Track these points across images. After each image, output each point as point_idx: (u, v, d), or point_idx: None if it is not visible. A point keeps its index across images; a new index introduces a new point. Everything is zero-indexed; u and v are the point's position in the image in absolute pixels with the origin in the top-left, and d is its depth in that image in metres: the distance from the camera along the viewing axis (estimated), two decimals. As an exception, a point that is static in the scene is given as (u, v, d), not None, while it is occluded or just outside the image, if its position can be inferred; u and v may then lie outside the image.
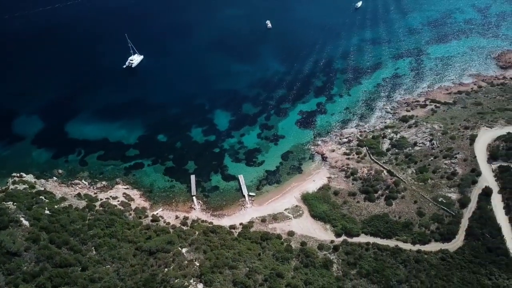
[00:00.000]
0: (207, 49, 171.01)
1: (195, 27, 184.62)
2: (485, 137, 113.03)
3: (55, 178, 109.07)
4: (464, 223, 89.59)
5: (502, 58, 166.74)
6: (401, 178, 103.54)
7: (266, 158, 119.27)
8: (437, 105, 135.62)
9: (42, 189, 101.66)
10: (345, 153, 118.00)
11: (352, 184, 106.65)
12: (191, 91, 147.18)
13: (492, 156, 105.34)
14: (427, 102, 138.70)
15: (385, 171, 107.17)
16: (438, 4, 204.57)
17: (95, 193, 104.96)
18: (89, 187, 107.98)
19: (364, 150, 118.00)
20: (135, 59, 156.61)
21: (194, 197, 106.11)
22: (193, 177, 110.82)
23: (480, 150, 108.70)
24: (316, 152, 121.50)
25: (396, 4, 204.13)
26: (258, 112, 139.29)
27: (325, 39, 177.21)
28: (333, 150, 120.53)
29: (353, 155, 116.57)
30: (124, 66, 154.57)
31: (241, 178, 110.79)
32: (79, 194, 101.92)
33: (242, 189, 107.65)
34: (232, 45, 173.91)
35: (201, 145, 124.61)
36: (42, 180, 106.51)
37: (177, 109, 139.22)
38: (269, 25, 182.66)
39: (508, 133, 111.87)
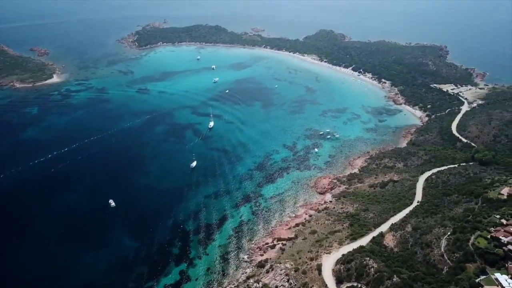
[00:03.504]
0: (53, 244, 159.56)
1: (34, 221, 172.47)
2: (328, 263, 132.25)
3: None
4: None
5: (318, 185, 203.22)
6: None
7: None
8: (284, 242, 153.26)
9: None
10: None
11: None
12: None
13: (339, 280, 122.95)
14: (275, 242, 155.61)
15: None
16: (258, 150, 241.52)
17: None
18: None
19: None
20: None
21: None
22: None
23: (328, 277, 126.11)
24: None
25: (225, 157, 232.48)
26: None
27: (171, 204, 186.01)
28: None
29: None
30: None
31: None
32: None
33: None
34: (79, 232, 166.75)
35: None
36: None
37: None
38: (113, 204, 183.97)
39: (343, 255, 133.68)
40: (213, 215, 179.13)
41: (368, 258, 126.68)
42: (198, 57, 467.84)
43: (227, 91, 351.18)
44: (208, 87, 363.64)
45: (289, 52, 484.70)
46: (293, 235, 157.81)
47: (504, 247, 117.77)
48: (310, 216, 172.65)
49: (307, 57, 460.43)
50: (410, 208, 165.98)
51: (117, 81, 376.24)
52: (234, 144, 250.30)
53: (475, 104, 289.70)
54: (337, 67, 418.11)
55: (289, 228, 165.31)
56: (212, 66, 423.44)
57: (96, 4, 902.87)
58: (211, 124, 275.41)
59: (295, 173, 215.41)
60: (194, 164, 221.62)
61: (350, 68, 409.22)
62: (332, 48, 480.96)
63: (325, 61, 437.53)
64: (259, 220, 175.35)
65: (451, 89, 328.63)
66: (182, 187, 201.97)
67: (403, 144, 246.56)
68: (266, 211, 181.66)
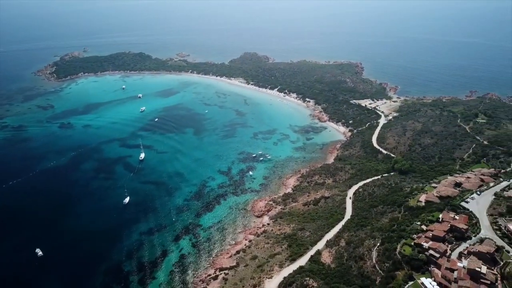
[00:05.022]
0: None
1: None
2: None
3: None
4: None
5: (255, 208, 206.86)
6: None
7: None
8: (226, 272, 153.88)
9: None
10: None
11: None
12: None
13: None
14: (217, 272, 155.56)
15: None
16: (193, 178, 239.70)
17: None
18: None
19: None
20: None
21: None
22: None
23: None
24: None
25: (160, 190, 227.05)
26: None
27: (106, 245, 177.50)
28: None
29: None
30: None
31: None
32: None
33: None
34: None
35: None
36: None
37: None
38: (40, 253, 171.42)
39: (284, 278, 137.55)
40: (151, 252, 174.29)
41: (308, 278, 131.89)
42: (123, 86, 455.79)
43: (156, 119, 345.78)
44: (136, 117, 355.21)
45: (216, 76, 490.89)
46: (234, 263, 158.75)
47: (426, 252, 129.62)
48: (250, 241, 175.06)
49: (234, 80, 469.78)
50: (343, 222, 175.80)
51: (36, 117, 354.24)
52: (168, 174, 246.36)
53: (391, 117, 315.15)
54: (264, 89, 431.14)
55: (230, 256, 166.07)
56: (139, 95, 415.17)
57: (5, 37, 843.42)
58: (142, 155, 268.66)
59: (232, 199, 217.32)
60: (127, 200, 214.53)
61: (276, 89, 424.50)
62: (257, 70, 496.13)
63: (252, 84, 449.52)
64: (200, 252, 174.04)
65: (369, 104, 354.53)
66: (116, 226, 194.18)
67: (331, 160, 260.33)
68: (206, 242, 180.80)
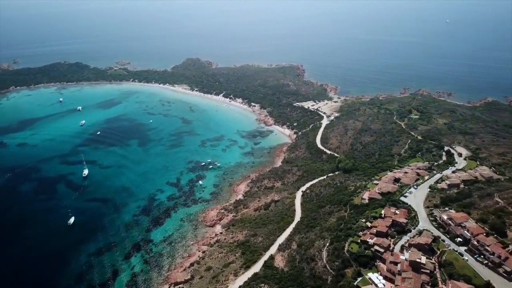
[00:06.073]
0: None
1: None
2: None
3: None
4: None
5: (207, 218, 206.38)
6: None
7: None
8: (181, 286, 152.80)
9: None
10: None
11: None
12: None
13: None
14: (172, 287, 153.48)
15: None
16: (141, 192, 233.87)
17: None
18: None
19: None
20: None
21: None
22: None
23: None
24: None
25: (107, 207, 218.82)
26: None
27: (52, 271, 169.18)
28: None
29: None
30: None
31: None
32: None
33: None
34: None
35: None
36: None
37: None
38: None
39: (240, 286, 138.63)
40: (102, 274, 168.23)
41: (263, 284, 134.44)
42: (61, 99, 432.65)
43: (98, 132, 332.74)
44: (76, 131, 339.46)
45: (159, 83, 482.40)
46: (189, 276, 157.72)
47: (371, 248, 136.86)
48: (203, 252, 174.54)
49: (178, 87, 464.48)
50: (293, 225, 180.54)
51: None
52: (115, 190, 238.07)
53: (332, 117, 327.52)
54: (209, 95, 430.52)
55: (184, 270, 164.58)
56: (78, 108, 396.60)
57: None
58: (86, 172, 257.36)
59: (183, 210, 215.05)
60: (72, 220, 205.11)
61: (221, 95, 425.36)
62: (201, 76, 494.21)
63: (197, 90, 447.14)
64: (153, 268, 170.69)
65: (311, 106, 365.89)
66: (62, 249, 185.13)
67: (278, 163, 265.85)
68: (158, 257, 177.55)
